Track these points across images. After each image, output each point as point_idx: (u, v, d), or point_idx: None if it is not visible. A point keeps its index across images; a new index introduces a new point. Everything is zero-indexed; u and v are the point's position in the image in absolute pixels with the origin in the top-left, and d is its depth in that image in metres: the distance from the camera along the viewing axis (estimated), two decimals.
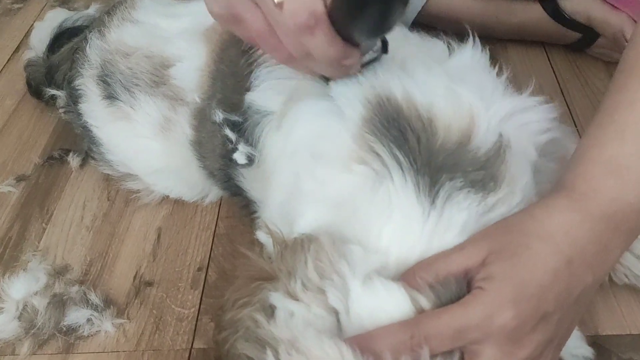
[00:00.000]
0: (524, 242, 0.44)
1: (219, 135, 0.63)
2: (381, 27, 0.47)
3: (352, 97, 0.50)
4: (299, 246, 0.46)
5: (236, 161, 0.61)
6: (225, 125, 0.61)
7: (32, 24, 1.07)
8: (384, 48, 0.53)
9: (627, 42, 0.83)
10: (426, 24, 0.92)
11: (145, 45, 0.70)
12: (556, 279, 0.43)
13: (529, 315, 0.42)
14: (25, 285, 0.66)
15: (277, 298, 0.44)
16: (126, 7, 0.75)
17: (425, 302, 0.43)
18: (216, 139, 0.64)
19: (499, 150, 0.48)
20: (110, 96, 0.71)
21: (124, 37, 0.72)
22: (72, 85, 0.76)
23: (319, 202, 0.49)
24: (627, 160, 0.46)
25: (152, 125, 0.69)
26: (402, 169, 0.46)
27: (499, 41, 0.96)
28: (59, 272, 0.69)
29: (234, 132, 0.61)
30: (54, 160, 0.83)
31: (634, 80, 0.48)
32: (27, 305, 0.65)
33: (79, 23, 0.89)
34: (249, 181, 0.63)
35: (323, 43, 0.45)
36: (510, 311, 0.41)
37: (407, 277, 0.44)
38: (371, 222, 0.46)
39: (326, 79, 0.54)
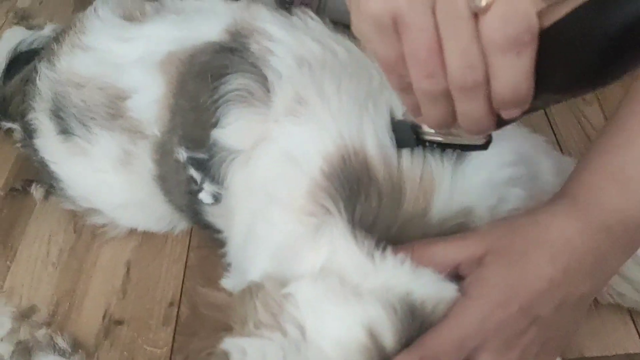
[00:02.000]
0: (523, 247, 0.44)
1: (184, 173, 0.60)
2: (601, 74, 0.34)
3: (313, 150, 0.49)
4: (247, 295, 0.47)
5: (202, 201, 0.59)
6: (190, 164, 0.59)
7: None
8: (487, 141, 0.46)
9: None
10: None
11: (98, 75, 0.66)
12: (551, 285, 0.44)
13: (519, 317, 0.43)
14: None
15: (229, 343, 0.45)
16: (75, 32, 0.70)
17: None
18: (180, 175, 0.61)
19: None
20: (66, 131, 0.67)
21: (74, 66, 0.68)
22: (25, 119, 0.72)
23: (268, 249, 0.50)
24: (633, 171, 0.45)
25: (112, 160, 0.66)
26: (350, 227, 0.46)
27: None
28: (24, 315, 0.66)
29: (198, 171, 0.58)
30: (17, 192, 0.80)
31: None
32: None
33: (34, 46, 0.85)
34: (215, 217, 0.61)
35: (524, 70, 0.34)
36: (499, 313, 0.43)
37: (404, 249, 0.45)
38: (309, 256, 0.47)
39: (417, 138, 0.46)
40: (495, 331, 0.43)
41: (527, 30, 0.33)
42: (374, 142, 0.49)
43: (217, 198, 0.59)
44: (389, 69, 0.39)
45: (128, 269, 0.70)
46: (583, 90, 0.38)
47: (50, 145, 0.71)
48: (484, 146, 0.46)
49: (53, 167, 0.72)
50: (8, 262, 0.73)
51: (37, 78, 0.70)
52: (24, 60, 0.84)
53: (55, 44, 0.72)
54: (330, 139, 0.50)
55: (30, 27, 1.00)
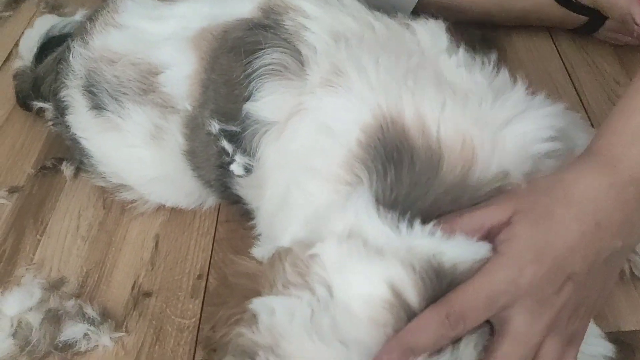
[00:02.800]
0: (551, 206, 0.44)
1: (214, 146, 0.61)
2: None
3: (350, 120, 0.49)
4: (276, 260, 0.47)
5: (233, 172, 0.59)
6: (222, 136, 0.59)
7: (23, 32, 1.04)
8: None
9: (636, 24, 0.80)
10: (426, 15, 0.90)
11: (131, 51, 0.67)
12: (583, 239, 0.43)
13: (553, 275, 0.42)
14: (19, 301, 0.64)
15: (257, 303, 0.45)
16: (109, 12, 0.71)
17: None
18: (211, 149, 0.62)
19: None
20: (98, 106, 0.68)
21: (108, 43, 0.69)
22: (58, 97, 0.73)
23: (301, 217, 0.50)
24: None
25: (143, 135, 0.66)
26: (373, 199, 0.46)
27: (502, 28, 0.93)
28: (54, 286, 0.67)
29: (231, 143, 0.59)
30: (47, 170, 0.81)
31: None
32: (21, 322, 0.62)
33: (66, 30, 0.86)
34: (244, 188, 0.61)
35: None
36: (531, 269, 0.42)
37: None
38: (336, 221, 0.47)
39: None
40: (528, 288, 0.42)
41: None
42: (413, 111, 0.49)
43: (248, 169, 0.59)
44: None
45: (157, 243, 0.71)
46: None
47: (82, 121, 0.72)
48: None
49: (84, 142, 0.73)
50: (38, 236, 0.73)
51: (71, 56, 0.71)
52: (55, 44, 0.85)
53: (88, 23, 0.73)
54: (368, 109, 0.50)
55: (61, 16, 1.02)
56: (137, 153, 0.68)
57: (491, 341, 0.43)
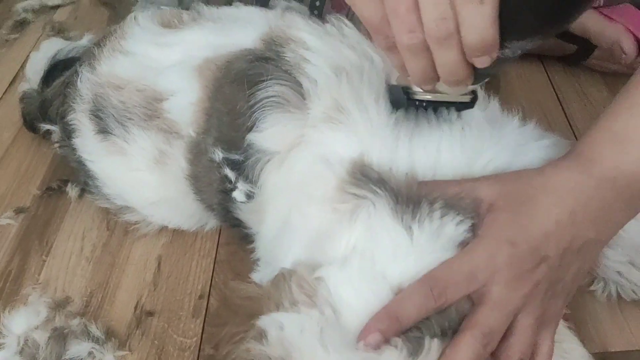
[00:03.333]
0: (532, 193, 0.48)
1: (217, 172, 0.63)
2: (559, 14, 0.42)
3: (347, 156, 0.53)
4: (280, 280, 0.49)
5: (236, 199, 0.61)
6: (225, 164, 0.61)
7: (28, 55, 1.07)
8: (472, 99, 0.52)
9: (623, 52, 0.83)
10: None
11: (136, 78, 0.69)
12: (558, 227, 0.47)
13: (527, 254, 0.46)
14: (25, 320, 0.66)
15: (265, 320, 0.47)
16: (116, 37, 0.74)
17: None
18: (213, 174, 0.64)
19: None
20: (104, 130, 0.70)
21: (115, 69, 0.71)
22: (65, 120, 0.75)
23: (302, 239, 0.52)
24: (632, 132, 0.49)
25: (147, 159, 0.68)
26: (383, 199, 0.49)
27: None
28: (59, 305, 0.68)
29: (233, 171, 0.61)
30: (53, 191, 0.83)
31: None
32: (28, 340, 0.64)
33: (72, 54, 0.89)
34: (246, 213, 0.63)
35: (487, 17, 0.41)
36: (508, 249, 0.46)
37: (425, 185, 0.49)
38: (342, 238, 0.49)
39: (409, 99, 0.52)
40: (505, 265, 0.46)
41: None
42: (407, 164, 0.52)
43: (249, 196, 0.61)
44: (375, 30, 0.46)
45: (159, 264, 0.73)
46: (545, 33, 0.44)
47: (88, 144, 0.74)
48: (471, 103, 0.52)
49: (90, 165, 0.75)
50: (44, 257, 0.75)
51: (79, 80, 0.74)
52: (62, 67, 0.87)
53: (96, 48, 0.76)
54: (366, 151, 0.53)
55: (66, 39, 1.05)
56: (141, 176, 0.70)
57: (470, 310, 0.46)
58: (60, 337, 0.64)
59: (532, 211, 0.48)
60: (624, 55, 0.83)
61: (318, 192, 0.54)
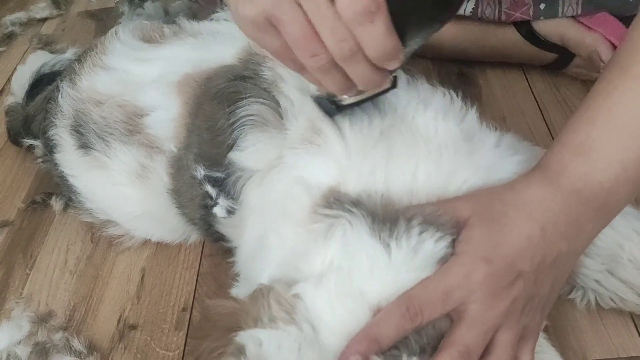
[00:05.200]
0: (503, 210, 0.48)
1: (198, 188, 0.63)
2: (440, 13, 0.45)
3: (323, 179, 0.53)
4: (259, 295, 0.49)
5: (216, 214, 0.61)
6: (207, 181, 0.61)
7: (15, 67, 1.07)
8: (394, 82, 0.52)
9: (602, 61, 0.84)
10: None
11: (117, 93, 0.69)
12: (530, 242, 0.47)
13: (503, 271, 0.46)
14: (8, 335, 0.66)
15: (244, 335, 0.47)
16: (97, 53, 0.74)
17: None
18: (195, 190, 0.64)
19: None
20: (85, 146, 0.71)
21: (95, 84, 0.71)
22: (47, 135, 0.75)
23: (277, 257, 0.52)
24: (595, 143, 0.50)
25: (129, 173, 0.69)
26: (360, 218, 0.49)
27: (478, 64, 0.97)
28: (42, 319, 0.69)
29: (214, 187, 0.61)
30: (37, 204, 0.83)
31: (615, 73, 0.52)
32: (10, 356, 0.64)
33: (56, 68, 0.89)
34: (226, 227, 0.64)
35: (382, 32, 0.42)
36: (484, 267, 0.46)
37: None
38: (317, 252, 0.49)
39: (337, 107, 0.52)
40: (481, 284, 0.46)
41: (371, 1, 0.41)
42: (383, 189, 0.52)
43: (230, 212, 0.61)
44: (281, 58, 0.47)
45: (143, 276, 0.73)
46: (442, 19, 0.47)
47: (70, 159, 0.74)
48: (393, 85, 0.52)
49: (72, 180, 0.75)
50: (27, 270, 0.76)
51: (60, 96, 0.74)
52: (46, 82, 0.88)
53: (77, 64, 0.76)
54: (342, 177, 0.53)
55: (53, 52, 1.05)
56: (123, 191, 0.71)
57: (449, 328, 0.47)
58: (42, 351, 0.64)
59: (505, 228, 0.48)
60: (602, 64, 0.84)
61: (293, 213, 0.54)
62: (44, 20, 1.26)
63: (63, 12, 1.27)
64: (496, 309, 0.46)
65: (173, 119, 0.65)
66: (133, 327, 0.68)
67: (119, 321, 0.68)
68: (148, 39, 0.74)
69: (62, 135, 0.73)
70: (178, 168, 0.66)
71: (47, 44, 1.16)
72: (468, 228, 0.48)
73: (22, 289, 0.73)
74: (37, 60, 0.96)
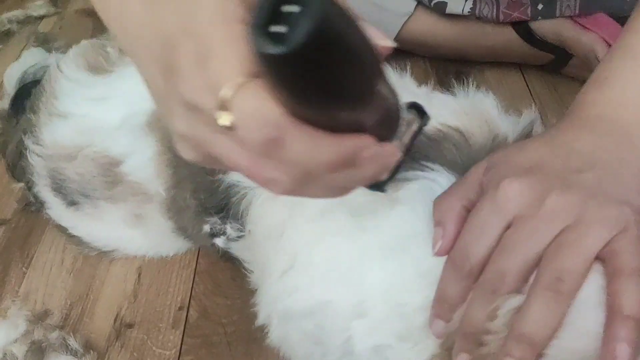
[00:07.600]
0: (518, 144, 0.47)
1: (204, 225, 0.61)
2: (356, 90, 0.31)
3: None
4: None
5: (226, 243, 0.61)
6: (213, 233, 0.60)
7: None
8: (420, 112, 0.41)
9: (598, 61, 0.84)
10: (402, 50, 0.94)
11: (84, 144, 0.65)
12: (553, 151, 0.45)
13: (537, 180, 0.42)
14: (4, 333, 0.66)
15: None
16: (47, 98, 0.68)
17: None
18: (200, 226, 0.62)
19: None
20: (73, 203, 0.68)
21: (58, 137, 0.66)
22: (32, 191, 0.73)
23: None
24: (608, 73, 0.49)
25: (126, 221, 0.68)
26: None
27: (475, 64, 0.97)
28: (38, 318, 0.68)
29: (223, 222, 0.59)
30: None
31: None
32: (6, 354, 0.64)
33: (39, 75, 0.81)
34: (239, 250, 0.62)
35: (308, 147, 0.32)
36: (515, 182, 0.42)
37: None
38: None
39: (380, 187, 0.40)
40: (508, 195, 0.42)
41: (266, 124, 0.31)
42: None
43: (239, 235, 0.59)
44: (248, 175, 0.35)
45: (139, 275, 0.73)
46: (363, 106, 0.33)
47: (62, 215, 0.72)
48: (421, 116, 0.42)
49: (71, 231, 0.73)
50: (24, 269, 0.75)
51: (29, 156, 0.69)
52: (27, 94, 0.78)
53: (32, 115, 0.69)
54: None
55: (49, 50, 1.05)
56: (127, 233, 0.70)
57: None
58: (38, 350, 0.64)
59: (521, 147, 0.47)
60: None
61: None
62: (41, 18, 1.25)
63: (60, 10, 1.27)
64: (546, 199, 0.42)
65: (151, 157, 0.62)
66: (130, 325, 0.68)
67: (115, 320, 0.68)
68: (94, 67, 0.69)
69: (46, 195, 0.70)
70: (177, 210, 0.64)
71: (45, 41, 1.15)
72: (488, 170, 0.46)
73: (19, 288, 0.73)
74: (31, 58, 0.93)
